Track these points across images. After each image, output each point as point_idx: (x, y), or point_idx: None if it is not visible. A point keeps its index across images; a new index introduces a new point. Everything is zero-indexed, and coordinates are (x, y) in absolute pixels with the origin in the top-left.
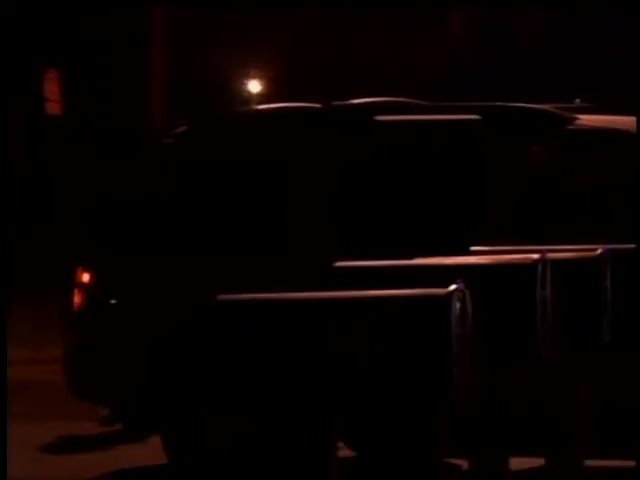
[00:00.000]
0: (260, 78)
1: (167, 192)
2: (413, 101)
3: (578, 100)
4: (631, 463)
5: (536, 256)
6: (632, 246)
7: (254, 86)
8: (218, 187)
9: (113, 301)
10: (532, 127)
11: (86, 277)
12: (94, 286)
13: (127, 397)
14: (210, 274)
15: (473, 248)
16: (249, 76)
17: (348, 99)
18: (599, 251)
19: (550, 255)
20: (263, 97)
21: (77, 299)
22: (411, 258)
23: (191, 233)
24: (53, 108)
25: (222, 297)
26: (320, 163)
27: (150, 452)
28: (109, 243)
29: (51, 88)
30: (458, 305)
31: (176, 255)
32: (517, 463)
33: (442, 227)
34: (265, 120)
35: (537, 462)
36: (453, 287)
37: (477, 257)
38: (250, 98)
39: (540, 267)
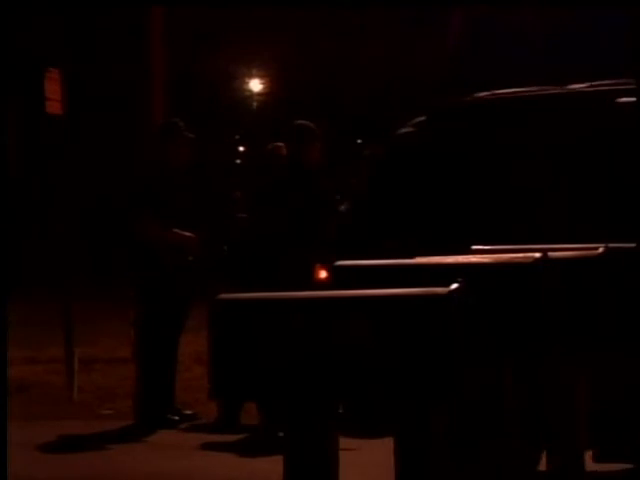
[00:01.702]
0: (260, 77)
1: (407, 184)
2: None
3: None
4: (631, 463)
5: (538, 255)
6: None
7: (255, 85)
8: (466, 176)
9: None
10: None
11: (323, 274)
12: (330, 282)
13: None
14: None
15: (474, 247)
16: (250, 75)
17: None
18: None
19: (552, 254)
20: (263, 96)
21: None
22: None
23: (435, 225)
24: (53, 107)
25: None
26: (562, 147)
27: (151, 452)
28: (346, 240)
29: (52, 87)
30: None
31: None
32: None
33: None
34: (504, 106)
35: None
36: (454, 286)
37: (478, 256)
38: (251, 97)
39: (542, 266)
